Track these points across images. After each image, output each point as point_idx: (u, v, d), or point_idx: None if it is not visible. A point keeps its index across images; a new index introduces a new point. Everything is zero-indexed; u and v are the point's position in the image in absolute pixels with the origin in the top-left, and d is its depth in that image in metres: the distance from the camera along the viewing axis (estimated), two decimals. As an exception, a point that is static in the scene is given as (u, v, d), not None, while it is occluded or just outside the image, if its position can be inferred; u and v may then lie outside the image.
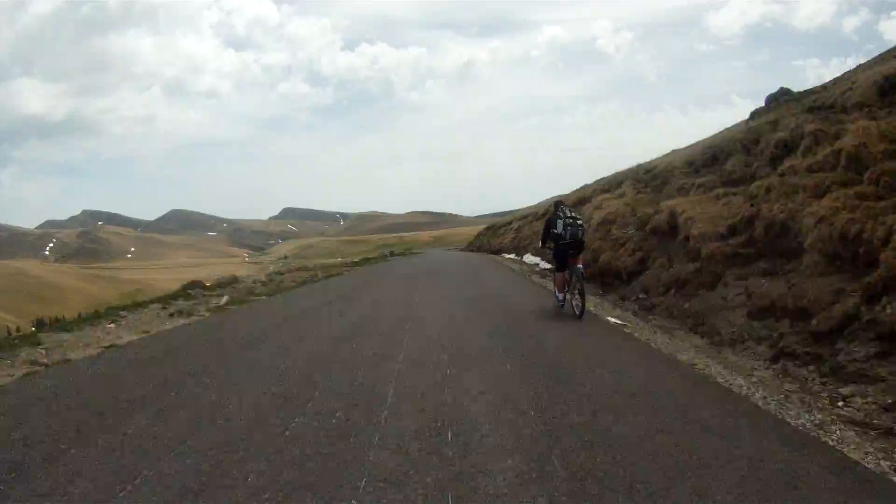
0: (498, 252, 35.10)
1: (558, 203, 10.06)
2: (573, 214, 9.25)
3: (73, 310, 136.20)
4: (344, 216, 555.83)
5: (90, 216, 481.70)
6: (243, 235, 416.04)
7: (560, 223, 9.08)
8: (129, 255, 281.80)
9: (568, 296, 9.37)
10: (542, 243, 10.12)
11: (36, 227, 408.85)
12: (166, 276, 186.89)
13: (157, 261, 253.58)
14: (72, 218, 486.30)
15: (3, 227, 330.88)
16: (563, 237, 9.03)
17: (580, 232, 9.02)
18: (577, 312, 8.75)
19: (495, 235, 45.90)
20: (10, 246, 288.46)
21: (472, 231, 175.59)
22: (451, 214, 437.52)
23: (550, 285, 12.20)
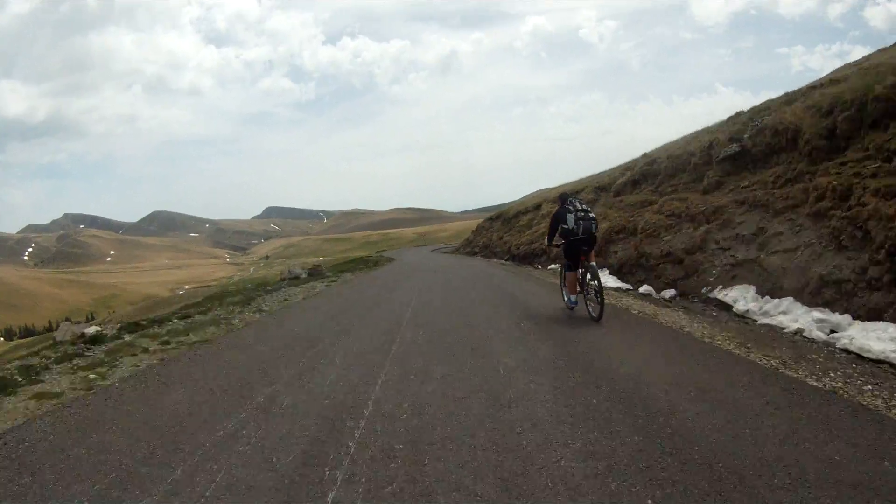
0: (525, 260, 23.03)
1: (565, 196, 9.27)
2: (584, 207, 8.63)
3: (44, 317, 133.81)
4: (327, 214, 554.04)
5: (72, 219, 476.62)
6: (225, 236, 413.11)
7: (571, 217, 8.50)
8: (109, 259, 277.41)
9: (580, 297, 8.76)
10: (549, 241, 9.38)
11: (17, 232, 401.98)
12: (143, 279, 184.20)
13: (136, 264, 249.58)
14: (53, 221, 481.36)
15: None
16: (574, 232, 8.44)
17: (593, 225, 8.47)
18: (595, 314, 7.99)
19: (509, 229, 30.87)
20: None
21: (460, 227, 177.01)
22: (435, 210, 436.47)
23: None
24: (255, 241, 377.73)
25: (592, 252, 8.53)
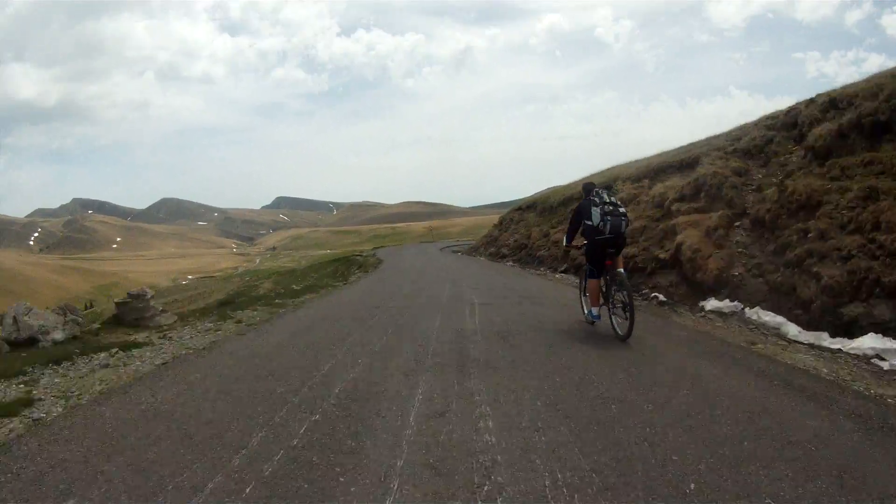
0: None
1: (590, 186, 7.68)
2: (613, 200, 7.08)
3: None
4: (337, 206, 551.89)
5: (80, 205, 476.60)
6: (234, 225, 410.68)
7: (596, 212, 6.98)
8: (115, 246, 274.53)
9: (604, 309, 7.31)
10: (568, 241, 7.98)
11: (26, 216, 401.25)
12: (146, 268, 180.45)
13: (141, 251, 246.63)
14: (62, 206, 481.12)
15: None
16: (599, 231, 6.96)
17: (623, 223, 6.91)
18: (621, 332, 6.66)
19: (557, 223, 21.35)
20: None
21: (469, 222, 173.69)
22: (445, 205, 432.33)
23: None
24: (264, 232, 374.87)
25: (620, 256, 7.21)
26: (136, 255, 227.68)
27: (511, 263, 22.32)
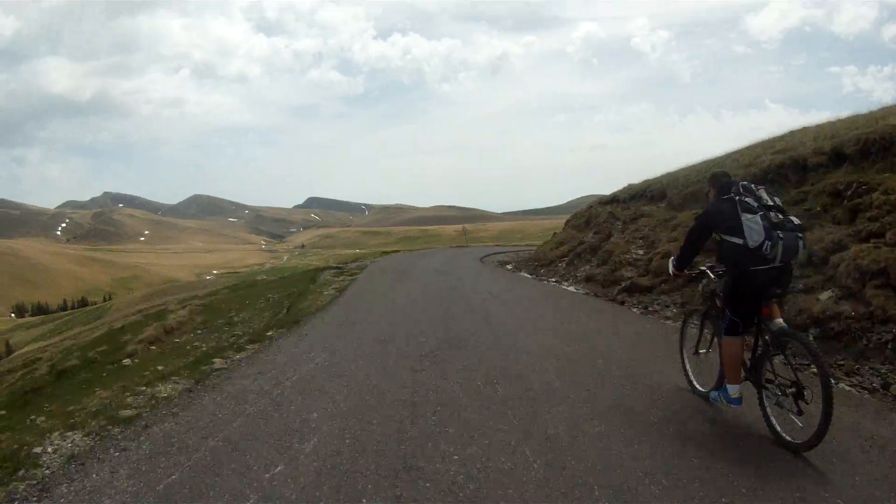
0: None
1: (727, 180, 4.77)
2: (777, 203, 4.41)
3: (59, 296, 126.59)
4: (369, 208, 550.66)
5: (111, 198, 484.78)
6: (264, 223, 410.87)
7: (754, 222, 4.23)
8: (143, 239, 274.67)
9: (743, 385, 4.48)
10: (680, 263, 4.96)
11: (56, 208, 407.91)
12: (170, 262, 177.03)
13: (168, 245, 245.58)
14: (92, 199, 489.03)
15: (17, 206, 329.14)
16: (760, 255, 4.20)
17: (801, 243, 4.25)
18: (792, 435, 4.01)
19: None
20: (22, 225, 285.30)
21: (501, 227, 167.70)
22: (479, 210, 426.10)
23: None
24: (294, 230, 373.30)
25: (776, 304, 4.35)
26: (162, 249, 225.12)
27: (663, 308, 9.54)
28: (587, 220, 18.47)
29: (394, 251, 42.07)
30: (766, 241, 4.17)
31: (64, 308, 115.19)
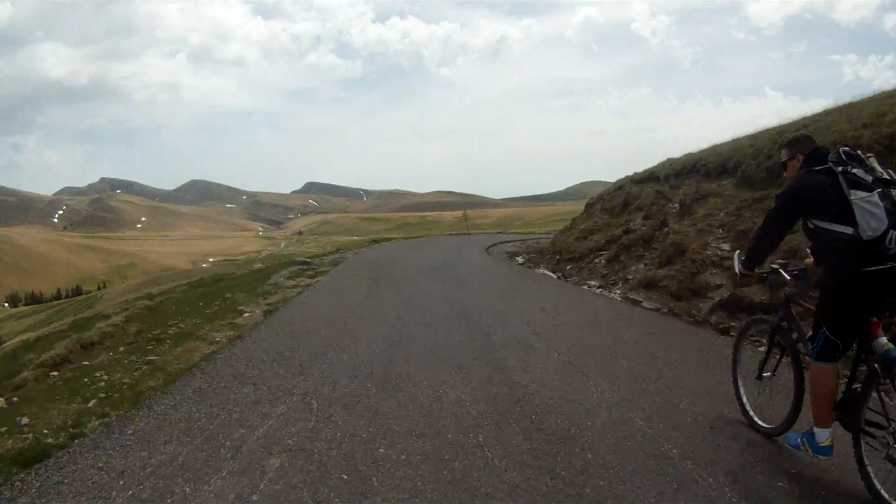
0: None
1: (819, 148, 3.64)
2: (894, 176, 3.24)
3: (54, 284, 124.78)
4: (368, 193, 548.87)
5: (109, 184, 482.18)
6: (262, 208, 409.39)
7: (867, 203, 3.13)
8: (139, 226, 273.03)
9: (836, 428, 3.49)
10: (754, 259, 3.90)
11: (53, 194, 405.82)
12: (167, 249, 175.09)
13: (165, 231, 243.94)
14: (89, 185, 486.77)
15: (13, 193, 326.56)
16: (881, 248, 3.09)
17: None
18: None
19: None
20: (19, 212, 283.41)
21: (501, 214, 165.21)
22: (477, 196, 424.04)
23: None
24: (292, 216, 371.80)
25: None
26: (160, 236, 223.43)
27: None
28: (624, 202, 15.96)
29: (387, 239, 39.85)
30: (891, 231, 3.09)
31: (58, 297, 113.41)
